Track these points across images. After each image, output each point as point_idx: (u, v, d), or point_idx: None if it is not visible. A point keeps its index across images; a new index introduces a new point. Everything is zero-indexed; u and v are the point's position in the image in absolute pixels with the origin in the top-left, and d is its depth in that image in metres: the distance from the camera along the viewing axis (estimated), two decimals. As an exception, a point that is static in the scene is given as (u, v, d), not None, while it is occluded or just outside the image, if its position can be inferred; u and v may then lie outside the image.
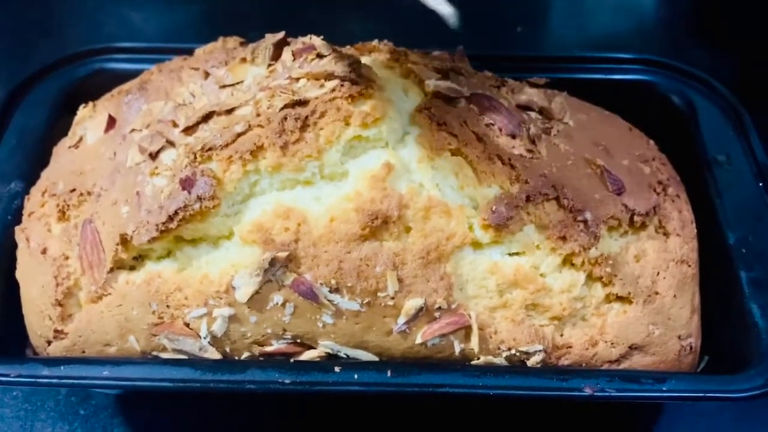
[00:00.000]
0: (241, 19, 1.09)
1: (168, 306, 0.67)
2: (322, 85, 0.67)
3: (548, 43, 1.03)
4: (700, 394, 0.65)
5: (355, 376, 0.64)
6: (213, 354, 0.67)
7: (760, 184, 0.80)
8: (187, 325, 0.67)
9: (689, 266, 0.72)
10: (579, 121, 0.78)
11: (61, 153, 0.78)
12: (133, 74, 0.84)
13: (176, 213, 0.64)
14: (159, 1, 1.11)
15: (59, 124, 0.84)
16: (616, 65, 0.93)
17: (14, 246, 0.74)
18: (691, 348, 0.71)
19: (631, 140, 0.80)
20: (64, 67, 0.91)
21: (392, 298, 0.65)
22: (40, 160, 0.81)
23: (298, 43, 0.72)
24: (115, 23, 1.01)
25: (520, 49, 0.99)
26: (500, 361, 0.67)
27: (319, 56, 0.70)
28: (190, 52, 0.84)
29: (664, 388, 0.64)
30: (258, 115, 0.67)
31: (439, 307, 0.65)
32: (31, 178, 0.79)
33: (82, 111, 0.80)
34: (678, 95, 0.90)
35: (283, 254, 0.63)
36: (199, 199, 0.64)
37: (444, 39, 1.03)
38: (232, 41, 0.80)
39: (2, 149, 0.82)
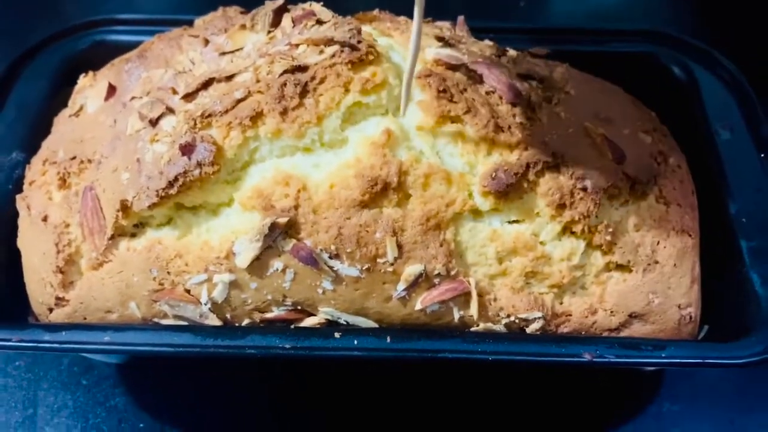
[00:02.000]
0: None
1: (168, 272, 0.67)
2: (321, 51, 0.67)
3: (550, 16, 1.02)
4: (699, 361, 0.65)
5: (355, 342, 0.64)
6: (213, 321, 0.68)
7: (762, 155, 0.79)
8: (188, 291, 0.67)
9: (690, 236, 0.72)
10: (580, 91, 0.77)
11: (62, 122, 0.78)
12: (133, 46, 0.84)
13: (176, 179, 0.64)
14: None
15: (60, 95, 0.84)
16: (618, 37, 0.92)
17: (16, 215, 0.74)
18: (690, 317, 0.71)
19: (632, 111, 0.80)
20: (64, 39, 0.90)
21: (392, 265, 0.65)
22: (41, 130, 0.81)
23: (298, 9, 0.72)
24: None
25: (522, 23, 0.99)
26: (499, 328, 0.68)
27: (319, 22, 0.70)
28: (190, 23, 0.84)
29: (663, 355, 0.65)
30: (257, 81, 0.66)
31: (439, 274, 0.65)
32: (31, 148, 0.79)
33: (83, 80, 0.80)
34: (680, 67, 0.89)
35: (283, 220, 0.64)
36: (199, 164, 0.64)
37: (444, 13, 1.03)
38: (233, 10, 0.80)
39: (3, 120, 0.82)
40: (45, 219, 0.70)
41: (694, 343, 0.69)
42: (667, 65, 0.90)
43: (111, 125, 0.72)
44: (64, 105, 0.82)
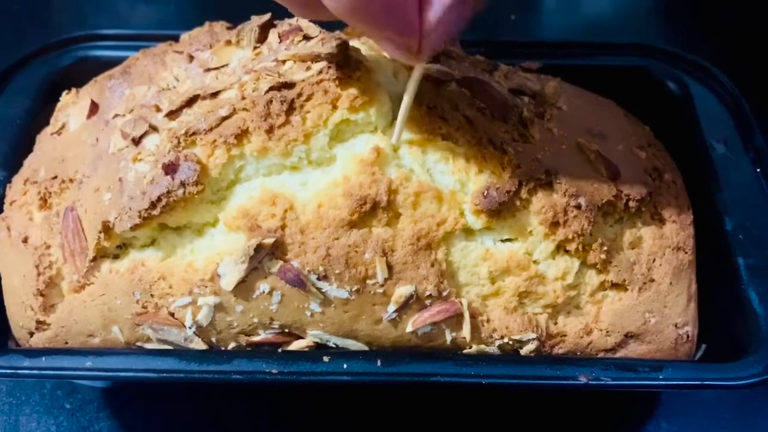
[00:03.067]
0: (229, 6, 1.07)
1: (152, 295, 0.65)
2: (308, 68, 0.65)
3: (541, 29, 1.01)
4: (697, 382, 0.63)
5: (345, 366, 0.62)
6: (198, 344, 0.66)
7: (758, 170, 0.78)
8: (172, 314, 0.65)
9: (686, 253, 0.71)
10: (573, 106, 0.76)
11: (44, 140, 0.76)
12: (118, 62, 0.82)
13: (159, 199, 0.63)
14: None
15: (42, 112, 0.82)
16: (610, 51, 0.91)
17: (-5, 235, 0.72)
18: (687, 336, 0.70)
19: (626, 126, 0.79)
20: (47, 55, 0.89)
21: (382, 286, 0.63)
22: (23, 149, 0.79)
23: (285, 24, 0.71)
24: (102, 11, 0.99)
25: (513, 36, 0.98)
26: (493, 349, 0.66)
27: (306, 38, 0.68)
28: (176, 38, 0.82)
29: (660, 377, 0.63)
30: (243, 98, 0.65)
31: (430, 295, 0.64)
32: (13, 167, 0.77)
33: (65, 97, 0.78)
34: (673, 80, 0.88)
35: (269, 240, 0.62)
36: (183, 184, 0.62)
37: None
38: (219, 26, 0.78)
39: (-16, 138, 0.81)
40: (25, 240, 0.69)
41: (692, 364, 0.68)
42: (660, 78, 0.89)
43: (93, 144, 0.70)
44: (47, 122, 0.80)
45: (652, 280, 0.69)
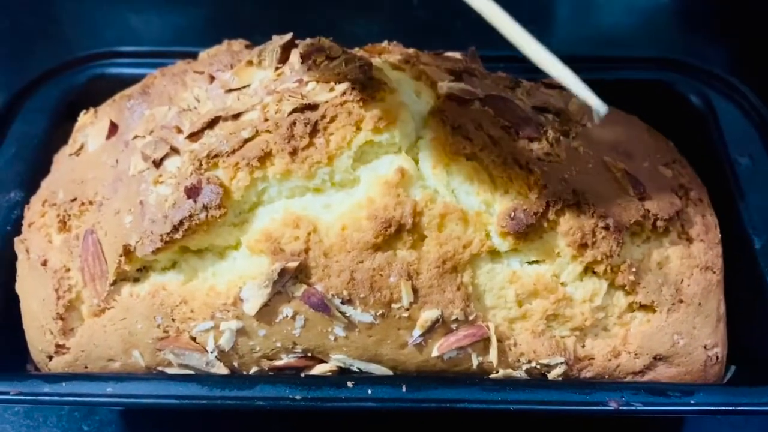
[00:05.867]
0: (245, 22, 1.07)
1: (173, 319, 0.64)
2: (332, 89, 0.64)
3: (561, 41, 1.00)
4: (730, 408, 0.62)
5: (369, 392, 0.61)
6: (220, 369, 0.65)
7: (786, 186, 0.77)
8: (194, 339, 0.64)
9: (714, 273, 0.70)
10: (597, 123, 0.75)
11: (62, 161, 0.76)
12: (135, 79, 0.82)
13: (181, 223, 0.62)
14: (162, 4, 1.08)
15: (60, 131, 0.82)
16: (632, 64, 0.90)
17: (14, 258, 0.71)
18: (717, 358, 0.68)
19: (650, 142, 0.78)
20: (64, 73, 0.89)
21: (407, 310, 0.62)
22: (41, 168, 0.78)
23: (307, 44, 0.70)
24: (117, 27, 0.99)
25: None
26: (520, 374, 0.65)
27: (329, 58, 0.67)
28: (193, 55, 0.81)
29: (692, 401, 0.62)
30: (266, 120, 0.64)
31: (456, 319, 0.63)
32: (30, 186, 0.77)
33: (83, 117, 0.77)
34: (696, 95, 0.87)
35: (292, 264, 0.61)
36: (205, 208, 0.61)
37: (451, 39, 1.01)
38: (238, 44, 0.77)
39: (1, 157, 0.80)
40: (44, 263, 0.68)
41: (724, 388, 0.66)
42: (683, 93, 0.87)
43: (113, 165, 0.69)
44: (65, 141, 0.79)
45: (681, 301, 0.68)
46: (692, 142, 0.82)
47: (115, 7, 1.03)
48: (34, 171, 0.79)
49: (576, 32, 1.00)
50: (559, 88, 0.79)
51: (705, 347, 0.68)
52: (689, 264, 0.69)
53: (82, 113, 0.78)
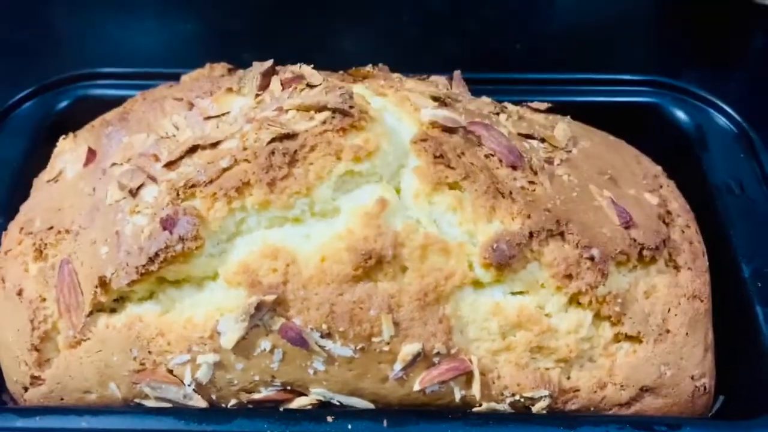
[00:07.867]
0: (231, 40, 1.05)
1: (150, 352, 0.63)
2: (311, 118, 0.63)
3: (549, 61, 0.99)
4: (717, 443, 0.61)
5: (349, 426, 0.60)
6: (198, 402, 0.64)
7: (774, 210, 0.76)
8: (171, 371, 0.63)
9: (702, 301, 0.69)
10: (583, 149, 0.74)
11: (40, 187, 0.74)
12: (117, 101, 0.81)
13: (157, 255, 0.61)
14: (146, 23, 1.07)
15: (40, 153, 0.81)
16: (621, 87, 0.90)
17: (-10, 286, 0.70)
18: (705, 388, 0.67)
19: (638, 168, 0.77)
20: (45, 94, 0.88)
21: (388, 344, 0.61)
22: (20, 192, 0.77)
23: (287, 72, 0.69)
24: (100, 47, 0.97)
25: (519, 67, 0.96)
26: (504, 407, 0.63)
27: (309, 86, 0.66)
28: (177, 77, 0.81)
29: (678, 436, 0.61)
30: (244, 149, 0.63)
31: (438, 352, 0.61)
32: (9, 211, 0.76)
33: (62, 142, 0.76)
34: (686, 118, 0.87)
35: (270, 297, 0.60)
36: (181, 239, 0.60)
37: (441, 57, 1.00)
38: (220, 68, 0.76)
39: (-20, 180, 0.79)
40: (20, 293, 0.67)
41: (712, 422, 0.66)
42: (672, 116, 0.87)
43: (90, 193, 0.68)
44: (45, 164, 0.78)
45: (668, 331, 0.67)
46: (681, 166, 0.82)
47: (98, 27, 1.02)
48: (13, 195, 0.78)
49: (564, 51, 0.99)
50: (545, 111, 0.78)
51: (693, 378, 0.67)
52: (676, 293, 0.68)
53: (61, 138, 0.77)
